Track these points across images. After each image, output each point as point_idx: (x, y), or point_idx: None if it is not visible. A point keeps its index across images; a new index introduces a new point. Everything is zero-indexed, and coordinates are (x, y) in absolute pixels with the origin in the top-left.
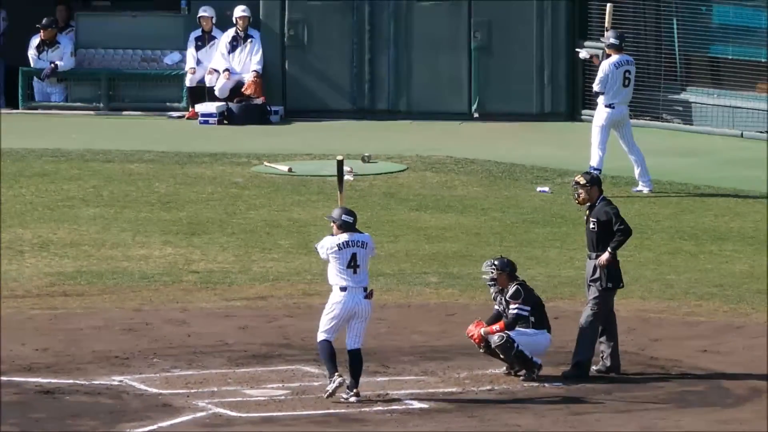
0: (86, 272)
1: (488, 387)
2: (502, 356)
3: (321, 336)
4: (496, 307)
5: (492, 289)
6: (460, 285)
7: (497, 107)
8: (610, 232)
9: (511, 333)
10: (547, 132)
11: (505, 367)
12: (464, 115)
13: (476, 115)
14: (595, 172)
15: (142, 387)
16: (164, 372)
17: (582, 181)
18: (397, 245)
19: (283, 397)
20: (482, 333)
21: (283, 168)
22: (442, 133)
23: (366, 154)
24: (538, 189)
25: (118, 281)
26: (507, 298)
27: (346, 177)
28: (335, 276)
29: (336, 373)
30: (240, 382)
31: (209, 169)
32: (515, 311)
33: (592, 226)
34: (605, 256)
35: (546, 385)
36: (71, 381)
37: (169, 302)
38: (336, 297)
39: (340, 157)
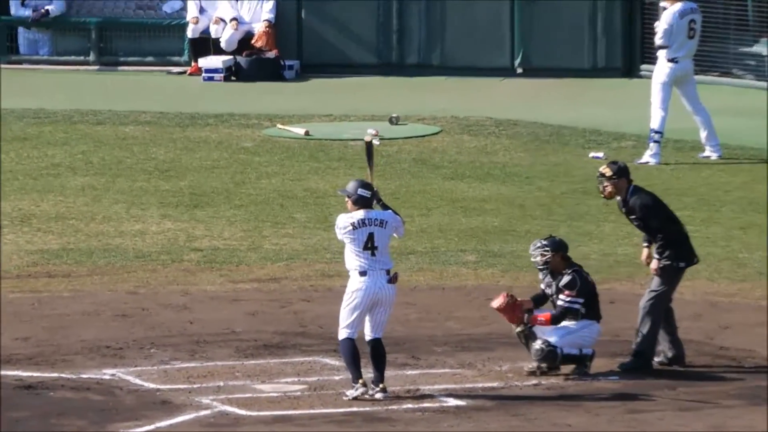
0: (73, 250)
1: (534, 381)
2: (543, 363)
3: (343, 333)
4: (543, 287)
5: (541, 276)
6: (502, 264)
7: (543, 61)
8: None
9: (551, 337)
10: (600, 90)
11: (528, 366)
12: (506, 71)
13: (520, 70)
14: (656, 135)
15: (138, 381)
16: (163, 364)
17: (608, 172)
18: (429, 219)
19: (298, 393)
20: (525, 316)
21: (299, 131)
22: (480, 90)
23: (394, 115)
24: (591, 155)
25: (110, 260)
26: (560, 286)
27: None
28: (353, 259)
29: (360, 380)
30: (249, 376)
31: (214, 132)
32: (566, 305)
33: (636, 223)
34: (654, 263)
35: (600, 378)
36: (56, 374)
37: (169, 284)
38: (355, 283)
39: (369, 137)
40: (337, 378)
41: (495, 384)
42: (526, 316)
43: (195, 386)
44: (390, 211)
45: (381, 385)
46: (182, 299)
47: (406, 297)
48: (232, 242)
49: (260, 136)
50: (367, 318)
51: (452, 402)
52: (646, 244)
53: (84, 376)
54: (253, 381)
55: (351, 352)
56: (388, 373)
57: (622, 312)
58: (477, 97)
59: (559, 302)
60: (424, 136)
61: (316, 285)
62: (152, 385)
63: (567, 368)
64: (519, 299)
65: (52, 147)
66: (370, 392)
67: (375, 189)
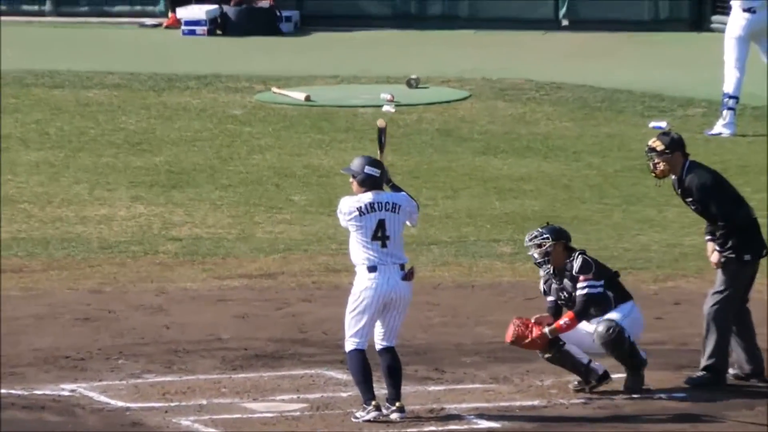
0: (25, 240)
1: (582, 399)
2: (612, 354)
3: (350, 343)
4: (551, 298)
5: (542, 272)
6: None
7: (593, 12)
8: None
9: (613, 317)
10: (663, 46)
11: (575, 381)
12: (549, 23)
13: (565, 22)
14: (731, 101)
15: (103, 399)
16: (133, 378)
17: (659, 146)
18: (456, 202)
19: (297, 413)
20: (547, 332)
21: (299, 96)
22: (518, 47)
23: (413, 77)
24: (652, 124)
25: (70, 252)
26: (574, 273)
27: (385, 108)
28: (360, 252)
29: (372, 401)
30: (238, 393)
31: (196, 97)
32: (585, 290)
33: (693, 207)
34: (715, 256)
35: (663, 396)
36: (4, 391)
37: (141, 281)
38: (363, 281)
39: (382, 123)
40: (344, 395)
41: (535, 402)
42: (547, 330)
43: (172, 405)
44: (403, 193)
45: (397, 404)
46: (157, 299)
47: (427, 296)
48: (218, 230)
49: (252, 102)
50: (378, 323)
51: (484, 424)
52: (708, 237)
53: (38, 392)
54: (242, 398)
55: (360, 365)
56: (406, 388)
57: (689, 315)
58: (514, 55)
59: (578, 292)
60: (449, 102)
61: (319, 282)
62: (120, 403)
63: (620, 383)
64: (533, 319)
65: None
66: (385, 412)
67: (384, 167)
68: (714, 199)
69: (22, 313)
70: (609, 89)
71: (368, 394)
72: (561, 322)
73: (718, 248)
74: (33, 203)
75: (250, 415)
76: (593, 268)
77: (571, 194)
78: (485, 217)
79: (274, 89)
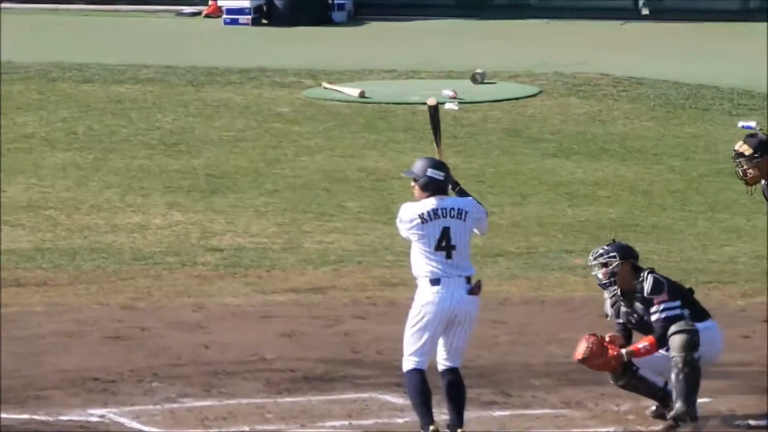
0: (51, 250)
1: (661, 426)
2: (675, 373)
3: (408, 363)
4: (619, 321)
5: (606, 294)
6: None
7: (678, 1)
8: None
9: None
10: (753, 38)
11: (653, 406)
12: (628, 13)
13: (646, 11)
14: None
15: (135, 425)
16: (169, 402)
17: (746, 150)
18: (524, 209)
19: None
20: (624, 354)
21: (352, 92)
22: (594, 38)
23: (478, 71)
24: (741, 124)
25: (100, 264)
26: (646, 296)
27: (448, 105)
28: (422, 263)
29: (431, 425)
30: (284, 418)
31: (239, 93)
32: (663, 313)
33: None
34: None
35: (751, 423)
36: (27, 416)
37: (177, 296)
38: (425, 295)
39: (432, 101)
40: (400, 420)
41: (611, 429)
42: (624, 354)
43: (212, 431)
44: (470, 198)
45: (460, 430)
46: (195, 316)
47: (493, 313)
48: (262, 240)
49: (300, 98)
50: (440, 341)
51: None
52: None
53: (64, 417)
54: (289, 425)
55: (419, 386)
56: (469, 414)
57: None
58: (589, 48)
59: (653, 317)
60: (518, 98)
61: (374, 297)
62: (155, 430)
63: (702, 406)
64: (607, 337)
65: (23, 113)
66: None
67: (448, 170)
68: None
69: (46, 331)
70: (693, 85)
71: (426, 419)
72: (640, 345)
73: None
74: (59, 210)
75: None
76: (665, 287)
77: (651, 201)
78: (556, 225)
79: (325, 84)
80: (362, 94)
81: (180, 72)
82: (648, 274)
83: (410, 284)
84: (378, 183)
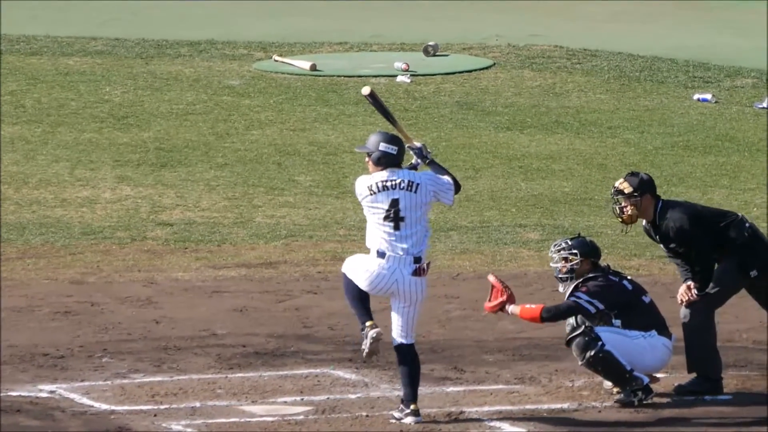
0: None
1: (615, 401)
2: (577, 350)
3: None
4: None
5: (562, 287)
6: None
7: None
8: None
9: (596, 328)
10: (710, 10)
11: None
12: None
13: None
14: None
15: (86, 401)
16: (119, 378)
17: (626, 187)
18: (477, 183)
19: (301, 417)
20: (509, 310)
21: (303, 64)
22: (547, 10)
23: (430, 43)
24: (696, 97)
25: (49, 238)
26: (581, 284)
27: (400, 79)
28: (371, 235)
29: (369, 322)
30: (236, 394)
31: (188, 66)
32: (573, 299)
33: (679, 250)
34: (685, 294)
35: (707, 398)
36: None
37: (127, 271)
38: (372, 263)
39: (366, 90)
40: (352, 396)
41: (565, 405)
42: (510, 308)
43: (162, 408)
44: (431, 172)
45: (412, 406)
46: (145, 290)
47: (446, 288)
48: (213, 214)
49: (250, 71)
50: (393, 315)
51: (508, 429)
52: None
53: (13, 393)
54: (240, 400)
55: (356, 289)
56: (423, 389)
57: (737, 309)
58: (542, 18)
59: (569, 297)
60: (471, 71)
61: (325, 272)
62: (105, 406)
63: (660, 385)
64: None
65: None
66: (397, 415)
67: (420, 145)
68: (695, 240)
69: None
70: (649, 57)
71: (365, 317)
72: (527, 305)
73: (697, 289)
74: (7, 184)
75: (248, 419)
76: (600, 291)
77: (606, 174)
78: (510, 199)
79: (276, 57)
80: (313, 67)
81: (129, 45)
82: (599, 278)
83: None
84: (329, 157)
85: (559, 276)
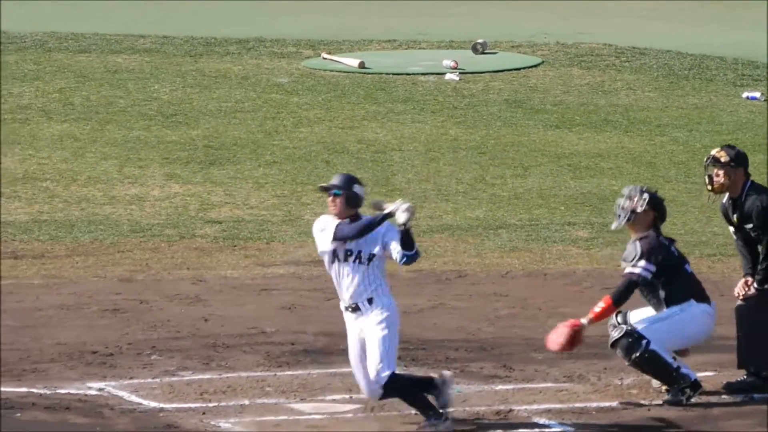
0: (48, 222)
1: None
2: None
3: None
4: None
5: (616, 224)
6: (624, 242)
7: None
8: None
9: (636, 324)
10: (759, 7)
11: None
12: None
13: None
14: None
15: (134, 398)
16: (168, 376)
17: (723, 156)
18: (526, 181)
19: (350, 415)
20: (584, 323)
21: (351, 62)
22: (596, 8)
23: (479, 41)
24: (745, 95)
25: (98, 236)
26: (638, 250)
27: (449, 77)
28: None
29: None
30: (284, 392)
31: (237, 64)
32: (628, 272)
33: (753, 233)
34: (743, 288)
35: (755, 397)
36: (24, 389)
37: (176, 268)
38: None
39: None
40: None
41: (614, 403)
42: (584, 320)
43: (211, 405)
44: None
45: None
46: (194, 288)
47: (495, 286)
48: (261, 212)
49: (299, 69)
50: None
51: (557, 428)
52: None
53: (62, 391)
54: (288, 398)
55: (411, 382)
56: (471, 387)
57: None
58: (590, 16)
59: (625, 270)
60: (519, 69)
61: None
62: (153, 404)
63: (709, 382)
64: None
65: (19, 83)
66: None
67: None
68: None
69: (44, 304)
70: (698, 55)
71: (432, 408)
72: (596, 308)
73: (757, 283)
74: (56, 181)
75: (297, 417)
76: (648, 249)
77: (655, 172)
78: (559, 197)
79: (324, 55)
80: (362, 65)
81: (177, 42)
82: (655, 235)
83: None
84: (378, 155)
85: (619, 213)
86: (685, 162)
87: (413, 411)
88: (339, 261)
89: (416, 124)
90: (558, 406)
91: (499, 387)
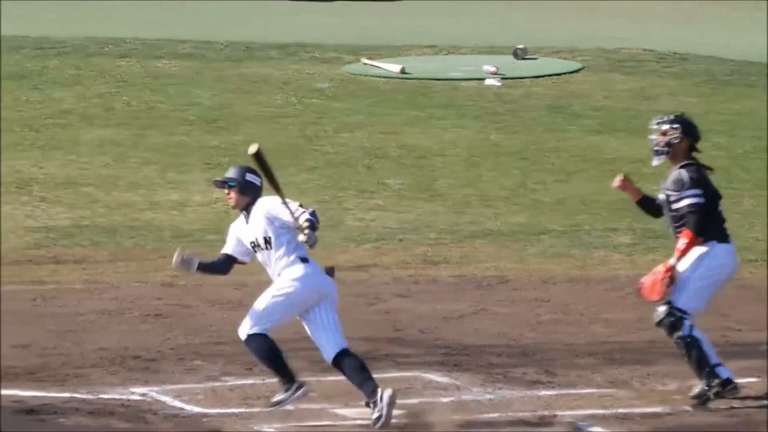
0: (89, 227)
1: (710, 405)
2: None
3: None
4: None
5: (656, 160)
6: (666, 248)
7: None
8: None
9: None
10: None
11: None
12: None
13: None
14: None
15: (177, 404)
16: (211, 381)
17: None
18: (567, 187)
19: (394, 421)
20: (671, 263)
21: (393, 68)
22: (637, 13)
23: (520, 47)
24: None
25: (139, 241)
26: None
27: (489, 82)
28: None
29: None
30: (328, 397)
31: (278, 69)
32: (688, 200)
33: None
34: None
35: None
36: (67, 395)
37: None
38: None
39: (253, 149)
40: (444, 399)
41: (658, 409)
42: (672, 263)
43: (254, 411)
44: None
45: (390, 390)
46: (236, 293)
47: (536, 291)
48: None
49: (340, 74)
50: (318, 329)
51: None
52: None
53: (105, 396)
54: (332, 404)
55: (271, 347)
56: (514, 393)
57: None
58: (632, 22)
59: (681, 203)
60: (560, 74)
61: (416, 275)
62: (197, 409)
63: (752, 388)
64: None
65: (60, 88)
66: (376, 414)
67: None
68: None
69: (86, 309)
70: (739, 61)
71: (291, 376)
72: (680, 246)
73: None
74: (98, 187)
75: (341, 422)
76: (702, 185)
77: None
78: (600, 203)
79: (365, 60)
80: (403, 70)
81: (218, 47)
82: (696, 166)
83: (452, 262)
84: (419, 160)
85: (656, 149)
86: (726, 168)
87: (456, 417)
88: (256, 253)
89: (457, 129)
90: (601, 411)
91: (542, 392)
